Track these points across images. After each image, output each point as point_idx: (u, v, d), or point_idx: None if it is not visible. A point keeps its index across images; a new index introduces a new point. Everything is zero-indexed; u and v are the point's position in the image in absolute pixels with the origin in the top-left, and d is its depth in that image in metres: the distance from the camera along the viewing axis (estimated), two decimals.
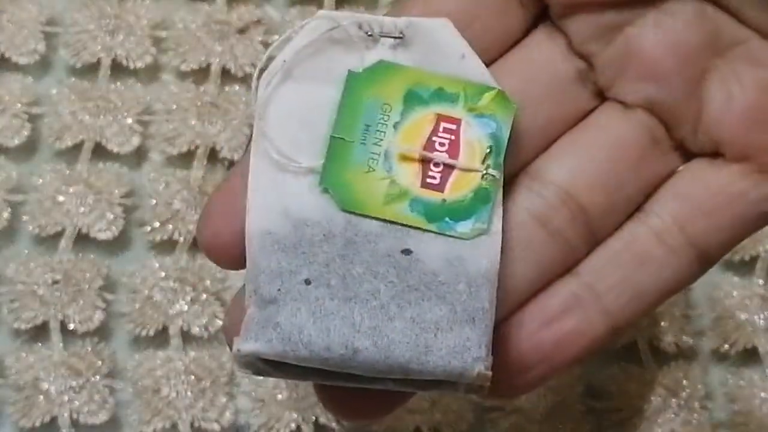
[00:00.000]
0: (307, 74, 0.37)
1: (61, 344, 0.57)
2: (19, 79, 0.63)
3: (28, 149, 0.61)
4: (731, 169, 0.38)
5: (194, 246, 0.59)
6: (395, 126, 0.37)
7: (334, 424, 0.55)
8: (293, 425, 0.55)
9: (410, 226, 0.37)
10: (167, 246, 0.59)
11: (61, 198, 0.59)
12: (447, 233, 0.37)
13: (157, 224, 0.59)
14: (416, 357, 0.35)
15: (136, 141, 0.61)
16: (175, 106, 0.62)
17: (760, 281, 0.58)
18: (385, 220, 0.37)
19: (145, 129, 0.62)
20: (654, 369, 0.56)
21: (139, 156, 0.61)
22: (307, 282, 0.36)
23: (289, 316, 0.35)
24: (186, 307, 0.57)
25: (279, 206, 0.36)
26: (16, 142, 0.61)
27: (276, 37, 0.64)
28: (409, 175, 0.37)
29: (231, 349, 0.36)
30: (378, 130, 0.37)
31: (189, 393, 0.55)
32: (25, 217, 0.59)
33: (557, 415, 0.55)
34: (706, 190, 0.39)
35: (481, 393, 0.36)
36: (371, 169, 0.37)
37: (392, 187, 0.37)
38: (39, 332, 0.57)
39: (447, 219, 0.37)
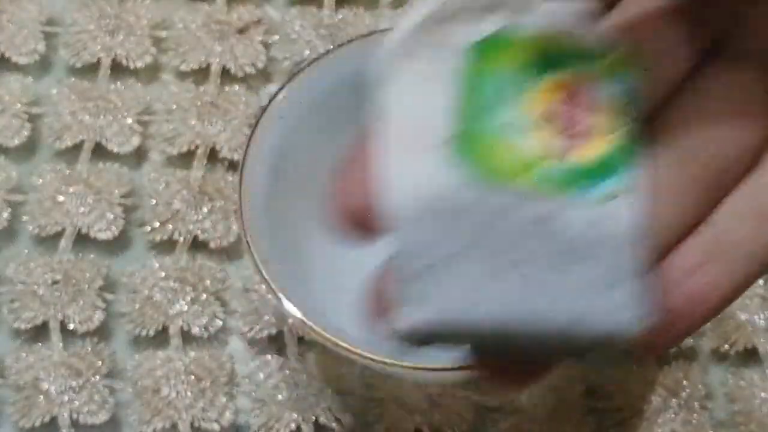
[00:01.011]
0: (427, 47, 0.37)
1: (61, 344, 0.57)
2: (19, 79, 0.63)
3: (28, 149, 0.61)
4: None
5: (194, 246, 0.59)
6: (524, 92, 0.37)
7: (334, 424, 0.55)
8: (293, 425, 0.55)
9: (548, 192, 0.36)
10: (167, 246, 0.59)
11: (61, 198, 0.59)
12: (586, 196, 0.36)
13: (157, 224, 0.59)
14: (572, 322, 0.35)
15: (136, 141, 0.61)
16: (175, 106, 0.62)
17: (760, 281, 0.59)
18: (521, 189, 0.36)
19: (145, 129, 0.62)
20: (654, 369, 0.57)
21: (139, 156, 0.61)
22: (452, 255, 0.35)
23: (437, 290, 0.35)
24: (186, 307, 0.57)
25: (412, 182, 0.36)
26: (16, 142, 0.61)
27: (276, 37, 0.64)
28: (542, 142, 0.37)
29: (385, 326, 0.35)
30: (507, 98, 0.37)
31: (189, 393, 0.55)
32: (25, 217, 0.59)
33: (558, 415, 0.55)
34: None
35: (632, 353, 0.35)
36: (503, 138, 0.36)
37: (525, 154, 0.36)
38: (39, 332, 0.57)
39: (586, 181, 0.36)
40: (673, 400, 0.56)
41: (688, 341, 0.57)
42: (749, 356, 0.58)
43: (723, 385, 0.57)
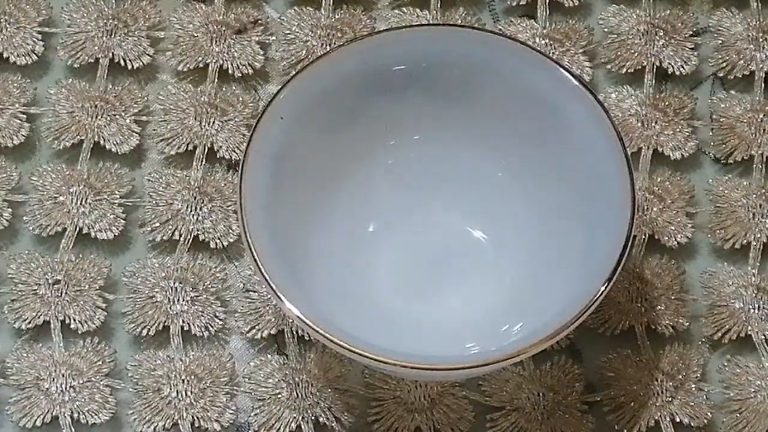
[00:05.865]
0: None
1: (61, 344, 0.57)
2: (17, 79, 0.63)
3: (28, 149, 0.62)
4: None
5: (194, 246, 0.59)
6: None
7: (334, 424, 0.55)
8: (293, 425, 0.55)
9: None
10: (167, 246, 0.59)
11: (61, 198, 0.59)
12: None
13: (157, 224, 0.59)
14: None
15: (134, 141, 0.61)
16: (173, 107, 0.62)
17: (755, 270, 0.59)
18: None
19: (144, 129, 0.62)
20: (650, 353, 0.57)
21: (138, 156, 0.62)
22: None
23: None
24: (186, 307, 0.57)
25: None
26: (15, 142, 0.61)
27: (273, 37, 0.64)
28: None
29: None
30: None
31: (189, 392, 0.56)
32: (25, 218, 0.59)
33: (557, 415, 0.55)
34: None
35: None
36: None
37: None
38: (40, 332, 0.57)
39: None
40: (670, 383, 0.56)
41: (684, 324, 0.58)
42: (744, 344, 0.58)
43: (719, 372, 0.57)
